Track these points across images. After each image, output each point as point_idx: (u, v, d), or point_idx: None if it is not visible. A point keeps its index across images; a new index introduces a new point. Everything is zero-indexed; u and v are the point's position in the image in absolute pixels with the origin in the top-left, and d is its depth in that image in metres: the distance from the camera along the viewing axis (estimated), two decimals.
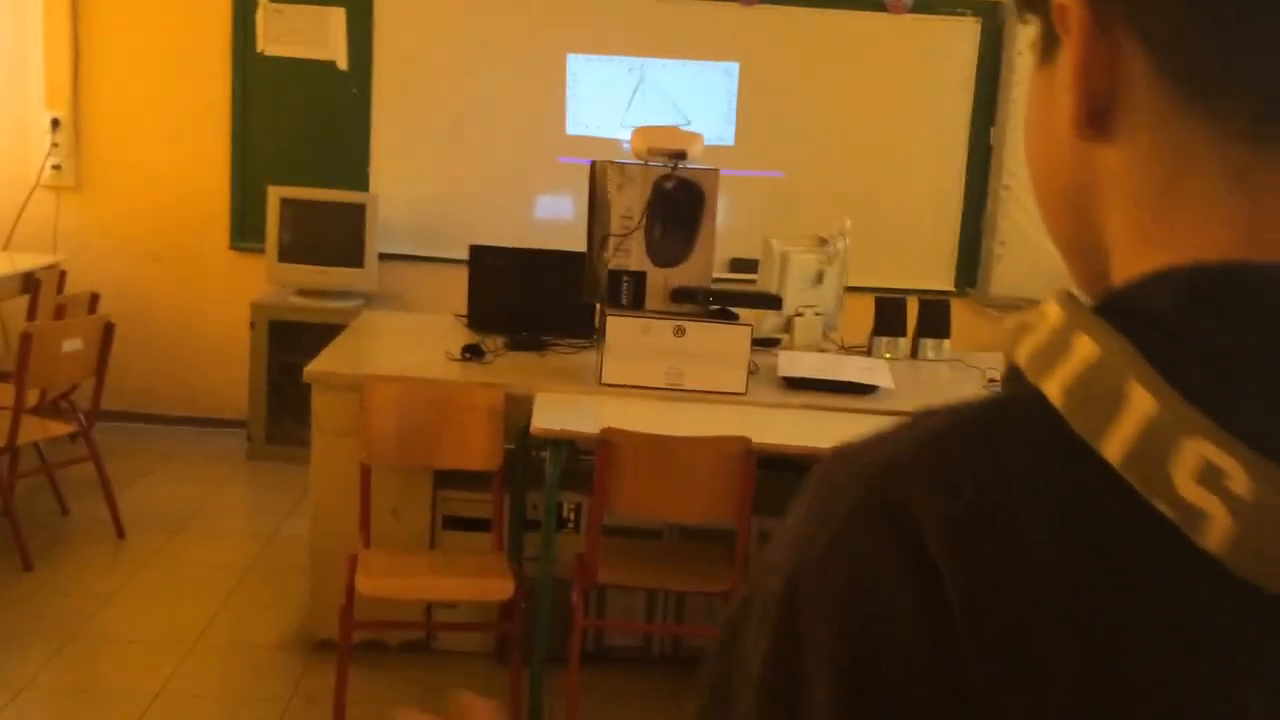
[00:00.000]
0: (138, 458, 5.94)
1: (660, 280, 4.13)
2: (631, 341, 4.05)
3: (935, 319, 5.01)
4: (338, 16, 6.24)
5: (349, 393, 3.94)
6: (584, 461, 3.83)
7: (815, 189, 6.48)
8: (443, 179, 6.42)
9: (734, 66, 6.39)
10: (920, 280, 6.55)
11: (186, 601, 4.38)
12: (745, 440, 3.57)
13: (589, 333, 4.66)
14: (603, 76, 6.38)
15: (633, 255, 4.12)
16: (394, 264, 6.31)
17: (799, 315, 4.79)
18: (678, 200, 4.12)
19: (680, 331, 4.06)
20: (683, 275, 4.14)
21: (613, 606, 4.16)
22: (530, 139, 6.41)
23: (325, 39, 6.25)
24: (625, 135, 6.41)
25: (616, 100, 6.40)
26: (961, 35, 6.46)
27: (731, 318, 4.14)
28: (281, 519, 5.27)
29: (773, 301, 4.35)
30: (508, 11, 6.33)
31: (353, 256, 5.99)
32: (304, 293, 6.07)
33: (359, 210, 5.99)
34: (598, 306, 4.30)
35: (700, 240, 4.14)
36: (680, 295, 4.12)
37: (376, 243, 6.02)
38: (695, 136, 4.20)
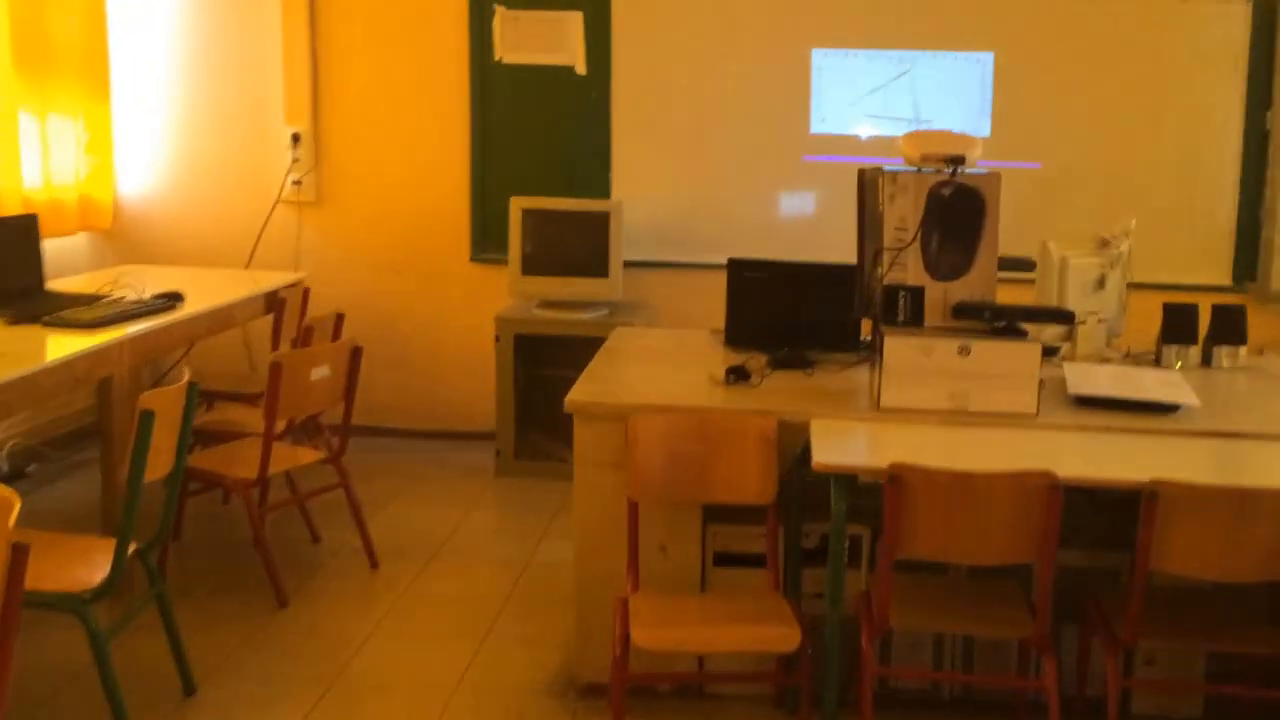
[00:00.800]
0: (386, 477, 5.80)
1: (939, 295, 3.76)
2: (911, 362, 3.68)
3: (1229, 325, 4.51)
4: (575, 21, 6.00)
5: (612, 423, 3.68)
6: (864, 489, 3.48)
7: (1075, 180, 6.01)
8: (685, 182, 6.13)
9: (988, 56, 5.94)
10: (1193, 274, 6.01)
11: (444, 641, 4.17)
12: (1049, 475, 3.18)
13: (855, 347, 4.33)
14: (848, 72, 6.01)
15: (909, 269, 3.75)
16: (638, 271, 6.05)
17: (1081, 323, 4.36)
18: (956, 209, 3.73)
19: (965, 351, 3.68)
20: (964, 289, 3.76)
21: (898, 647, 3.81)
22: (774, 138, 6.08)
23: (563, 44, 6.01)
24: (870, 132, 6.06)
25: (862, 96, 6.02)
26: (1231, 18, 5.88)
27: (1019, 334, 3.74)
28: (535, 544, 5.05)
29: (1063, 317, 3.92)
30: (748, 7, 6.01)
31: (597, 266, 5.74)
32: (548, 304, 5.85)
33: (602, 219, 5.74)
34: (868, 321, 3.96)
35: (982, 251, 3.76)
36: (962, 311, 3.74)
37: (621, 251, 5.76)
38: (973, 140, 3.81)
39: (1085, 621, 3.64)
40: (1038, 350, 3.70)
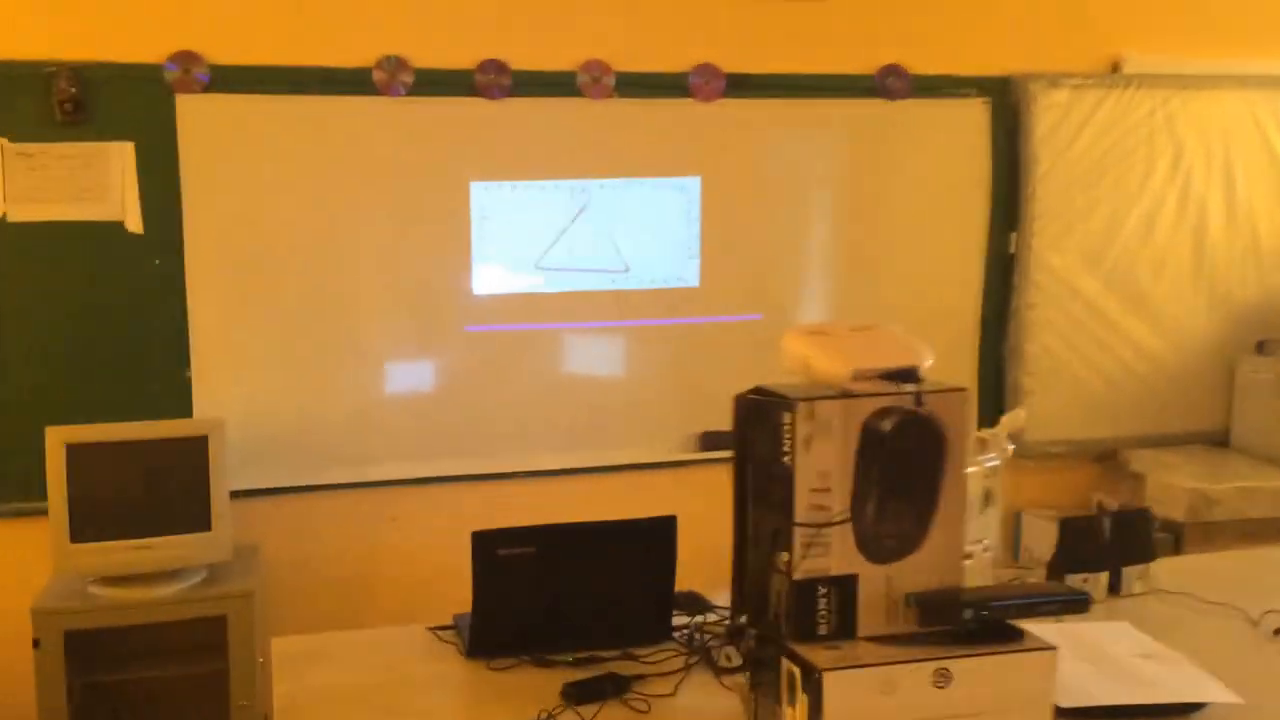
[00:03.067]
0: None
1: (879, 584, 2.26)
2: (867, 707, 2.15)
3: (1133, 537, 3.28)
4: (121, 156, 4.11)
5: None
6: None
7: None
8: (305, 375, 4.34)
9: (693, 182, 4.55)
10: None
11: None
12: None
13: (662, 634, 2.77)
14: (517, 210, 4.44)
15: (831, 547, 2.22)
16: (244, 503, 4.19)
17: (968, 559, 2.98)
18: (905, 451, 2.25)
19: (943, 678, 2.18)
20: (917, 572, 2.28)
21: None
22: (426, 305, 4.42)
23: (103, 190, 4.10)
24: (552, 286, 4.52)
25: (537, 240, 4.46)
26: (966, 119, 4.81)
27: (1014, 636, 2.29)
28: None
29: (1076, 602, 2.47)
30: (379, 128, 4.32)
31: (192, 517, 3.83)
32: (113, 581, 3.84)
33: (196, 447, 3.83)
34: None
35: (942, 511, 2.28)
36: (927, 609, 2.25)
37: (227, 491, 3.87)
38: (922, 346, 2.37)
39: None
40: (1053, 661, 2.26)
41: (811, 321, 4.48)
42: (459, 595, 4.48)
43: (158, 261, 4.16)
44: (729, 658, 2.69)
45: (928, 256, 4.83)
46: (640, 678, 2.62)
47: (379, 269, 4.34)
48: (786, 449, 2.20)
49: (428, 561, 4.46)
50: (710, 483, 4.68)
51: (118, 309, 4.15)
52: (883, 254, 4.78)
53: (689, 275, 4.57)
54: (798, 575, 2.20)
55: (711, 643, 2.78)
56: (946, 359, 4.89)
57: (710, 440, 4.61)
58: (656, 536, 2.79)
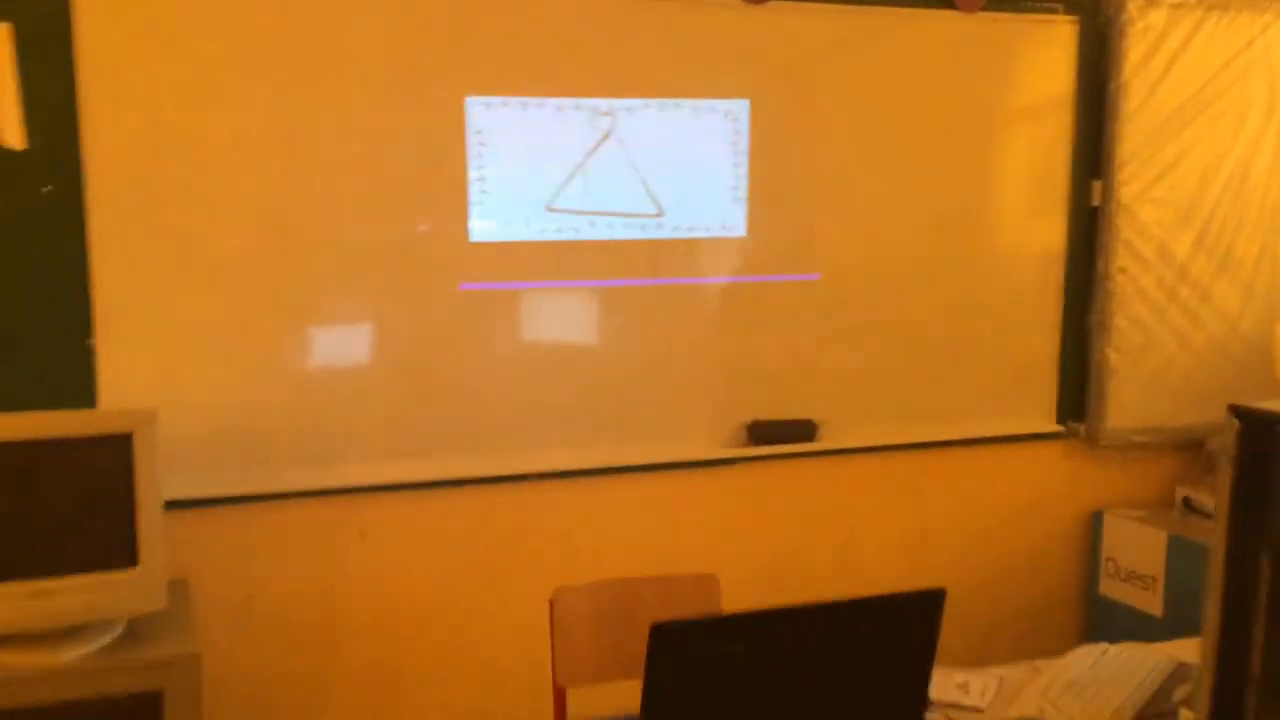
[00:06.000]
0: None
1: None
2: None
3: None
4: None
5: None
6: None
7: (869, 291, 3.65)
8: (242, 348, 3.09)
9: (740, 106, 3.43)
10: (1007, 420, 3.87)
11: None
12: None
13: None
14: (524, 133, 3.25)
15: None
16: (169, 518, 2.95)
17: None
18: None
19: None
20: None
21: None
22: (406, 256, 3.20)
23: None
24: (567, 233, 3.36)
25: (552, 173, 3.29)
26: (1051, 41, 3.78)
27: None
28: None
29: None
30: (349, 20, 3.10)
31: (110, 548, 2.56)
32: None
33: (116, 448, 2.54)
34: None
35: None
36: None
37: (159, 510, 2.61)
38: None
39: None
40: None
41: None
42: (449, 638, 3.34)
43: (49, 188, 2.86)
44: None
45: (1005, 207, 3.80)
46: None
47: (346, 207, 3.12)
48: None
49: (408, 593, 3.29)
50: (759, 486, 3.63)
51: None
52: (954, 202, 3.74)
53: (734, 223, 3.45)
54: None
55: None
56: (1026, 332, 3.89)
57: (761, 432, 3.52)
58: (914, 618, 1.70)
